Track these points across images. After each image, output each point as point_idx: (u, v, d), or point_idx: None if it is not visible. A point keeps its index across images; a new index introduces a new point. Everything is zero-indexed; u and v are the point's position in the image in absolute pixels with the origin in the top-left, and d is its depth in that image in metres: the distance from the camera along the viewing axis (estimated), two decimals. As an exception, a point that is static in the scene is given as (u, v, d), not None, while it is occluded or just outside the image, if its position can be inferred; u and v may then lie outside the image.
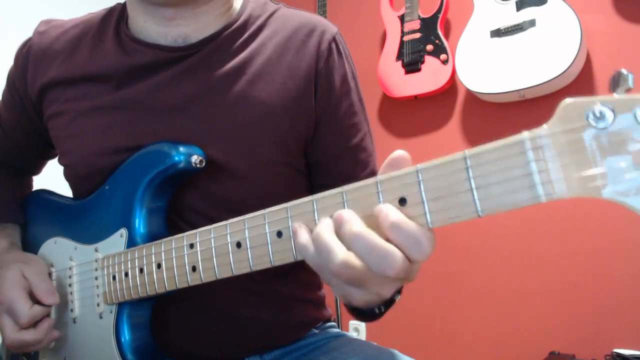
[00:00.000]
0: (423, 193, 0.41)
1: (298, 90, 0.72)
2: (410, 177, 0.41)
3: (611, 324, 1.72)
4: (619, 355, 1.65)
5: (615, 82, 0.34)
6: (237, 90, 0.70)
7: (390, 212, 0.41)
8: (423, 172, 0.41)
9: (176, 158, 0.65)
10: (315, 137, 0.74)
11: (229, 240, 0.53)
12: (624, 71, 0.34)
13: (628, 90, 0.34)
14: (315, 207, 0.47)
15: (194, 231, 0.58)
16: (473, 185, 0.38)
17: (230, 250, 0.53)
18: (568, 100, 0.35)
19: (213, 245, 0.55)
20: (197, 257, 0.57)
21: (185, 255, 0.58)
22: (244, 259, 0.52)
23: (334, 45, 0.75)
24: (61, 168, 0.79)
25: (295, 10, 0.78)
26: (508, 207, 0.37)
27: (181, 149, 0.65)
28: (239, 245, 0.52)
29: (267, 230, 0.50)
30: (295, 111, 0.71)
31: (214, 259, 0.55)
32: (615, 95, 0.33)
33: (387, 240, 0.41)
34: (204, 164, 0.66)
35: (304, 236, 0.45)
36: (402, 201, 0.42)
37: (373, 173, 0.76)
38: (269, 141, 0.70)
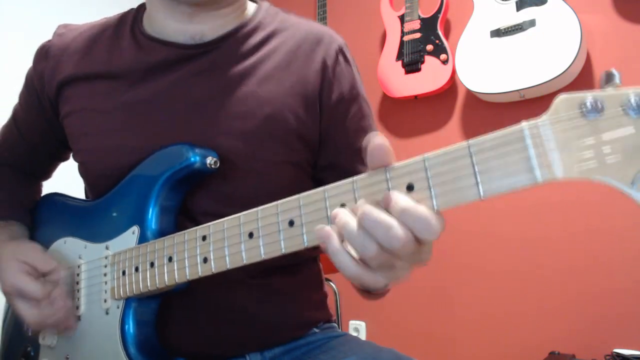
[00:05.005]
0: (429, 179, 0.44)
1: (305, 95, 0.75)
2: (417, 164, 0.44)
3: (611, 324, 1.72)
4: (619, 355, 1.65)
5: (605, 80, 0.39)
6: (247, 89, 0.73)
7: (398, 199, 0.43)
8: (429, 159, 0.44)
9: (192, 159, 0.67)
10: (327, 141, 0.77)
11: (241, 231, 0.55)
12: (613, 70, 0.39)
13: (616, 87, 0.38)
14: (326, 196, 0.49)
15: (206, 224, 0.60)
16: (476, 170, 0.41)
17: (242, 240, 0.55)
18: (563, 95, 0.39)
19: (225, 235, 0.57)
20: (209, 248, 0.59)
21: (198, 247, 0.60)
22: (256, 247, 0.54)
23: (341, 55, 0.79)
24: (70, 171, 0.80)
25: (305, 20, 0.81)
26: (508, 189, 0.40)
27: (196, 150, 0.68)
28: (251, 235, 0.54)
29: (279, 220, 0.52)
30: (301, 114, 0.74)
31: (226, 249, 0.57)
32: (605, 90, 0.38)
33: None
34: (218, 165, 0.69)
35: (347, 215, 0.45)
36: (410, 187, 0.44)
37: None
38: (276, 139, 0.73)
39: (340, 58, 0.78)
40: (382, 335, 2.23)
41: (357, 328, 2.31)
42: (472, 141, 0.42)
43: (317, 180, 0.81)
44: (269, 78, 0.74)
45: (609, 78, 0.38)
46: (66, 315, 0.74)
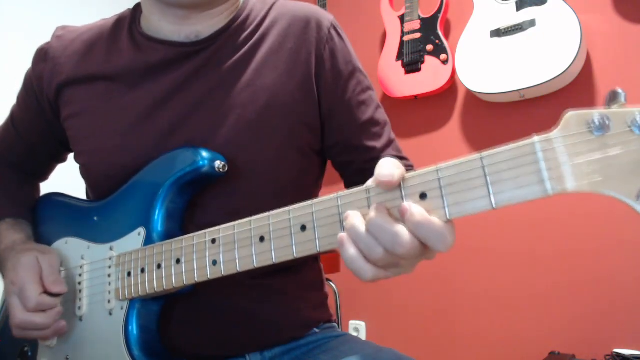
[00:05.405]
0: (442, 189, 0.45)
1: (301, 75, 0.75)
2: (431, 175, 0.46)
3: (611, 324, 1.72)
4: (619, 355, 1.65)
5: (610, 99, 0.40)
6: (244, 80, 0.74)
7: (414, 211, 0.45)
8: (442, 170, 0.45)
9: (200, 162, 0.68)
10: (331, 120, 0.78)
11: (252, 234, 0.56)
12: (618, 89, 0.40)
13: (621, 105, 0.40)
14: (339, 203, 0.50)
15: (216, 227, 0.60)
16: (488, 181, 0.43)
17: (252, 243, 0.55)
18: (572, 112, 0.41)
19: (236, 239, 0.57)
20: (218, 250, 0.59)
21: (207, 250, 0.60)
22: (267, 251, 0.54)
23: (333, 31, 0.79)
24: (71, 172, 0.80)
25: (293, 2, 0.82)
26: (520, 200, 0.42)
27: (204, 154, 0.68)
28: (262, 239, 0.55)
29: (292, 224, 0.53)
30: (299, 94, 0.75)
31: (236, 252, 0.57)
32: (611, 109, 0.40)
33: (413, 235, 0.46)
34: (226, 169, 0.69)
35: (357, 219, 0.48)
36: (423, 196, 0.46)
37: (389, 142, 0.81)
38: (277, 126, 0.73)
39: (333, 33, 0.79)
40: (382, 335, 2.23)
41: (357, 328, 2.31)
42: (484, 153, 0.44)
43: (337, 164, 0.82)
44: (264, 64, 0.75)
45: (614, 97, 0.40)
46: (52, 334, 0.73)
